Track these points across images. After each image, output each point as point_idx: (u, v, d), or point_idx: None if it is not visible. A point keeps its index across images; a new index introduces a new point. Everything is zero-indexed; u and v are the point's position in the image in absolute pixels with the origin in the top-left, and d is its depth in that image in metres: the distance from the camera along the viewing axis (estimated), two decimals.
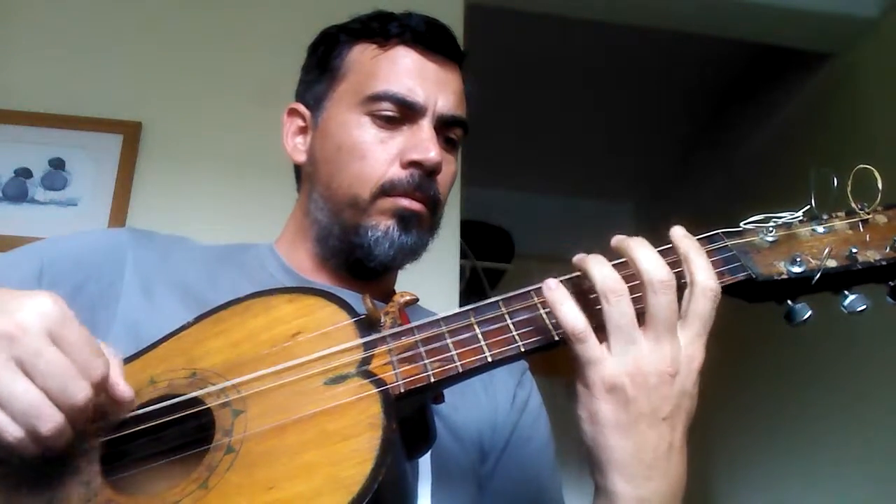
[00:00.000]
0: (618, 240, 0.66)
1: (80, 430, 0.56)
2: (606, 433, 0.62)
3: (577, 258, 0.65)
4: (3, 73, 1.85)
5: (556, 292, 0.63)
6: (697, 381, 0.63)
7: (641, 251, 0.63)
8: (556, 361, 0.67)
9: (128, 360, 0.67)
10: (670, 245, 0.65)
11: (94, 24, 1.94)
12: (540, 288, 0.66)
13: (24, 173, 1.77)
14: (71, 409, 0.54)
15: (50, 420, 0.53)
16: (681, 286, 0.63)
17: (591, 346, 0.62)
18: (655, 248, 0.64)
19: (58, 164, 1.79)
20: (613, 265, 0.64)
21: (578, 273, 0.65)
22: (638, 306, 0.62)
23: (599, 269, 0.63)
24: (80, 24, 1.94)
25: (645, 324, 0.62)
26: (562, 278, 0.65)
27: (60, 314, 0.56)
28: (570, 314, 0.62)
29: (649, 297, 0.61)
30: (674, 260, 0.64)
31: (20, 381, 0.53)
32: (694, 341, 0.63)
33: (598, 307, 0.62)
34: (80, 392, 0.54)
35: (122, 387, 0.59)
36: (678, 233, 0.66)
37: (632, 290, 0.62)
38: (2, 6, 1.90)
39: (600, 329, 0.62)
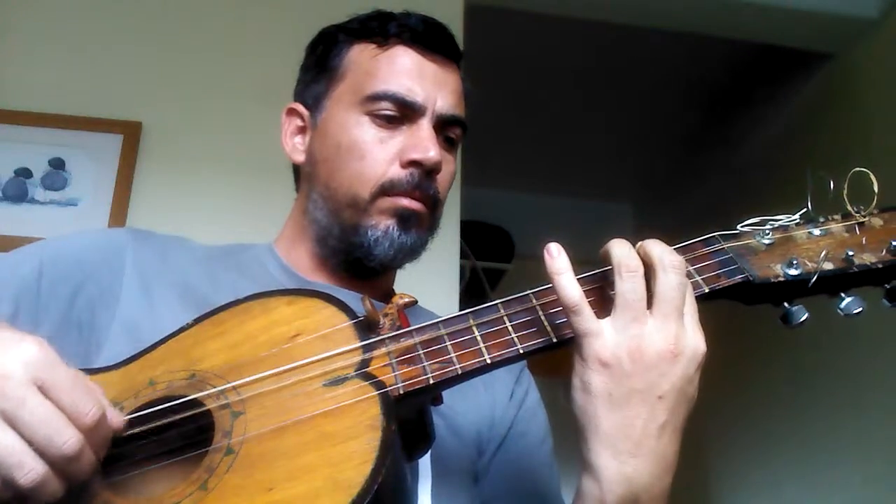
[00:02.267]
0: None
1: (81, 480, 0.54)
2: (597, 403, 0.61)
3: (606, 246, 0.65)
4: (3, 73, 1.85)
5: (557, 261, 0.64)
6: (699, 372, 0.63)
7: (652, 244, 0.64)
8: (555, 362, 0.67)
9: (127, 361, 0.68)
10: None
11: (94, 24, 1.94)
12: (539, 291, 0.66)
13: (24, 173, 1.77)
14: (60, 459, 0.52)
15: (30, 471, 0.51)
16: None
17: (585, 318, 0.62)
18: None
19: (58, 164, 1.78)
20: None
21: (594, 272, 0.66)
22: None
23: (620, 248, 0.64)
24: (80, 24, 1.94)
25: (653, 304, 0.62)
26: (579, 276, 0.65)
27: (46, 360, 0.54)
28: (568, 285, 0.62)
29: (660, 277, 0.62)
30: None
31: (1, 433, 0.51)
32: (697, 331, 0.63)
33: (612, 292, 0.63)
34: (68, 441, 0.52)
35: (117, 420, 0.58)
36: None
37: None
38: (2, 6, 1.90)
39: (604, 311, 0.63)
